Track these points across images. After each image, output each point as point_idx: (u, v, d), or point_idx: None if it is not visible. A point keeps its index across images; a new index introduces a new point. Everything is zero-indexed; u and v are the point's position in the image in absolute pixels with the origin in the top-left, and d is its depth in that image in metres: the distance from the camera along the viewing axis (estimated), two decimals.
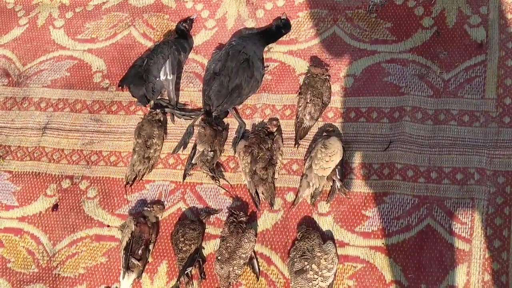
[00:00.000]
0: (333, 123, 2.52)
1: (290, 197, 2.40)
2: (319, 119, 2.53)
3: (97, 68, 2.88)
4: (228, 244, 2.28)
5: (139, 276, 2.35)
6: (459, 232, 2.19)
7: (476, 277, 2.11)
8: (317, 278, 2.17)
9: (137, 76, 2.74)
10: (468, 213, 2.21)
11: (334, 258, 2.20)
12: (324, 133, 2.48)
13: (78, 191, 2.58)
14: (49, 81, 2.89)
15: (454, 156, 2.32)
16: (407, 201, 2.28)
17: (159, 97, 2.73)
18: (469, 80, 2.46)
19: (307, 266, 2.18)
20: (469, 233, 2.18)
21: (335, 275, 2.20)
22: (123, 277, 2.33)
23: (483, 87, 2.44)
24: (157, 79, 2.69)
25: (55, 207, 2.56)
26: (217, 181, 2.47)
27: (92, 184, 2.58)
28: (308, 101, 2.52)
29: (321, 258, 2.19)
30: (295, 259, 2.21)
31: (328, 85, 2.57)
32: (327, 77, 2.59)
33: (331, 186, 2.36)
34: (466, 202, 2.23)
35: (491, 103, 2.39)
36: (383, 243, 2.23)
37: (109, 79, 2.84)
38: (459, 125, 2.38)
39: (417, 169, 2.33)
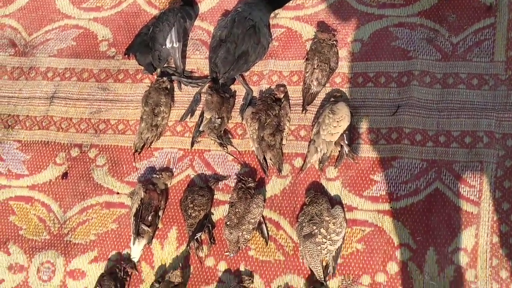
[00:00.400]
0: (340, 89, 2.49)
1: (298, 162, 2.39)
2: (326, 85, 2.51)
3: (103, 36, 2.86)
4: (237, 210, 2.28)
5: (149, 242, 2.36)
6: (467, 195, 2.18)
7: (485, 239, 2.10)
8: (325, 242, 2.17)
9: (143, 44, 2.71)
10: (476, 176, 2.20)
11: (342, 222, 2.20)
12: (332, 99, 2.46)
13: (87, 159, 2.58)
14: (55, 51, 2.88)
15: (463, 120, 2.30)
16: (415, 165, 2.27)
17: (165, 65, 2.71)
18: (478, 43, 2.42)
19: (316, 230, 2.18)
20: (478, 196, 2.17)
21: (343, 238, 2.20)
22: (134, 243, 2.34)
23: (492, 50, 2.40)
24: (163, 47, 2.67)
25: (64, 175, 2.56)
26: (225, 148, 2.46)
27: (101, 152, 2.58)
28: (315, 66, 2.49)
29: (330, 222, 2.19)
30: (304, 224, 2.21)
31: (336, 50, 2.54)
32: (334, 42, 2.56)
33: (339, 151, 2.35)
34: (475, 165, 2.22)
35: (501, 66, 2.36)
36: (391, 207, 2.22)
37: (115, 48, 2.82)
38: (468, 89, 2.36)
39: (426, 133, 2.31)
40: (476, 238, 2.11)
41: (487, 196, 2.16)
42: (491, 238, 2.10)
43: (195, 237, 2.30)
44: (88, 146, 2.60)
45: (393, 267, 2.14)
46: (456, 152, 2.26)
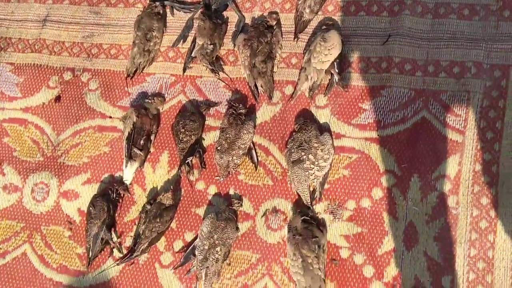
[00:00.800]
0: (332, 17, 2.47)
1: (288, 90, 2.40)
2: (318, 13, 2.48)
3: None
4: (228, 135, 2.31)
5: (141, 165, 2.39)
6: (453, 124, 2.21)
7: (468, 167, 2.14)
8: (313, 168, 2.20)
9: None
10: (463, 106, 2.22)
11: (330, 149, 2.23)
12: (324, 27, 2.44)
13: (80, 83, 2.57)
14: None
15: (452, 50, 2.30)
16: (404, 94, 2.28)
17: None
18: None
19: (304, 156, 2.21)
20: (463, 125, 2.19)
21: (330, 165, 2.24)
22: (126, 166, 2.37)
23: None
24: None
25: (57, 98, 2.56)
26: (217, 74, 2.46)
27: (94, 77, 2.58)
28: None
29: (318, 149, 2.22)
30: (293, 150, 2.24)
31: None
32: None
33: (329, 80, 2.36)
34: (462, 95, 2.23)
35: None
36: (378, 135, 2.25)
37: None
38: (458, 19, 2.34)
39: (415, 62, 2.31)
40: (460, 165, 2.15)
41: (472, 125, 2.19)
42: (474, 166, 2.14)
43: (186, 161, 2.33)
44: (81, 70, 2.59)
45: (378, 193, 2.19)
46: (444, 81, 2.27)
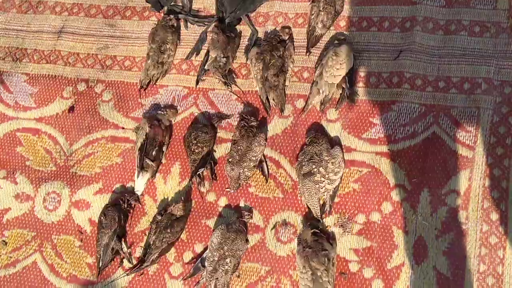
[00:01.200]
0: (344, 32, 2.48)
1: (300, 103, 2.40)
2: (331, 28, 2.48)
3: None
4: (239, 147, 2.30)
5: (153, 176, 2.39)
6: (463, 139, 2.20)
7: (477, 182, 2.13)
8: (324, 181, 2.20)
9: None
10: (473, 121, 2.21)
11: (341, 162, 2.23)
12: (336, 42, 2.44)
13: (94, 94, 2.58)
14: None
15: (463, 66, 2.30)
16: (414, 109, 2.28)
17: (172, 3, 2.68)
18: None
19: (315, 169, 2.21)
20: (473, 140, 2.18)
21: (341, 178, 2.23)
22: (138, 176, 2.37)
23: None
24: None
25: (71, 109, 2.57)
26: (229, 87, 2.47)
27: (107, 88, 2.58)
28: (321, 9, 2.47)
29: (329, 162, 2.21)
30: (303, 163, 2.24)
31: None
32: None
33: (340, 94, 2.35)
34: (472, 111, 2.23)
35: (503, 14, 2.34)
36: (389, 149, 2.24)
37: None
38: (469, 36, 2.34)
39: (426, 78, 2.31)
40: (470, 181, 2.14)
41: (482, 141, 2.18)
42: (484, 181, 2.13)
43: (197, 173, 2.32)
44: (95, 81, 2.60)
45: (388, 207, 2.18)
46: (455, 97, 2.26)
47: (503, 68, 2.26)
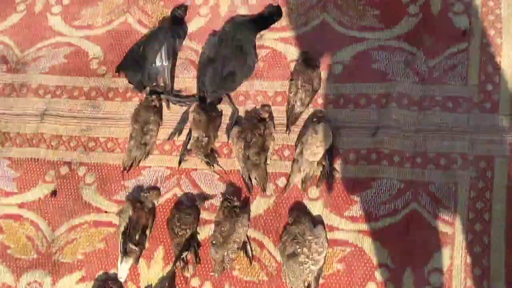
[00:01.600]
0: (322, 109, 2.50)
1: (281, 182, 2.40)
2: (309, 105, 2.52)
3: (94, 54, 2.84)
4: (223, 229, 2.29)
5: (136, 261, 2.35)
6: (442, 216, 2.21)
7: (459, 259, 2.13)
8: (308, 262, 2.18)
9: (134, 62, 2.70)
10: (451, 197, 2.23)
11: (324, 242, 2.22)
12: (314, 119, 2.47)
13: (76, 177, 2.56)
14: (47, 68, 2.85)
15: (438, 142, 2.33)
16: (394, 186, 2.29)
17: (154, 84, 2.69)
18: (452, 67, 2.45)
19: (299, 250, 2.20)
20: (452, 217, 2.20)
21: (325, 258, 2.22)
22: (121, 262, 2.33)
23: (465, 73, 2.43)
24: (153, 65, 2.66)
25: (53, 193, 2.54)
26: (212, 167, 2.47)
27: (90, 170, 2.57)
28: (299, 87, 2.51)
29: (312, 242, 2.21)
30: (287, 243, 2.23)
31: (318, 71, 2.55)
32: (317, 63, 2.57)
33: (321, 171, 2.36)
34: (450, 186, 2.25)
35: (474, 89, 2.39)
36: (370, 227, 2.24)
37: (106, 66, 2.80)
38: (443, 111, 2.38)
39: (403, 154, 2.33)
40: (451, 259, 2.14)
41: (460, 217, 2.19)
42: (465, 259, 2.13)
43: (182, 257, 2.29)
44: (77, 164, 2.59)
45: None
46: (432, 173, 2.28)
47: (476, 142, 2.29)
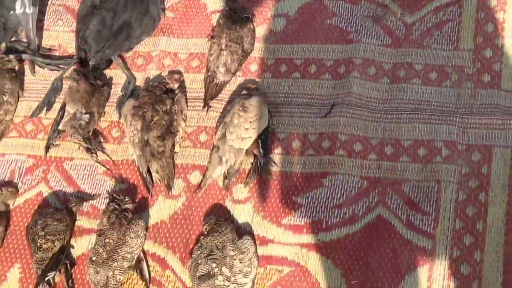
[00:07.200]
0: (256, 79, 2.57)
1: (195, 177, 2.45)
2: (237, 73, 2.58)
3: None
4: (107, 240, 2.30)
5: None
6: (419, 225, 2.28)
7: (440, 283, 2.20)
8: (228, 285, 2.21)
9: None
10: (432, 200, 2.30)
11: (252, 259, 2.26)
12: (244, 92, 2.53)
13: None
14: None
15: (416, 125, 2.42)
16: (353, 184, 2.36)
17: (13, 38, 2.72)
18: (438, 25, 2.56)
19: (216, 269, 2.22)
20: (433, 226, 2.27)
21: (253, 282, 2.26)
22: None
23: (456, 34, 2.54)
24: (12, 12, 2.68)
25: None
26: (94, 155, 2.49)
27: None
28: (223, 47, 2.57)
29: (235, 259, 2.24)
30: (200, 260, 2.25)
31: (251, 27, 2.63)
32: (250, 16, 2.63)
33: (252, 164, 2.42)
34: (430, 185, 2.33)
35: (467, 56, 2.50)
36: (318, 240, 2.29)
37: None
38: (424, 84, 2.48)
39: (367, 141, 2.42)
40: (429, 282, 2.21)
41: (444, 226, 2.27)
42: (449, 282, 2.20)
43: (46, 278, 2.29)
44: None
45: None
46: (407, 167, 2.37)
47: (469, 127, 2.39)
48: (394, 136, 2.42)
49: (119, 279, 2.29)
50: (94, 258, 2.31)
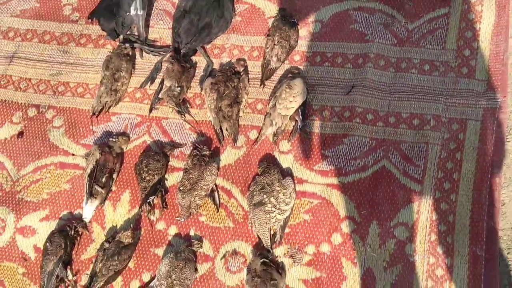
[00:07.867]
0: (298, 66, 2.56)
1: (253, 134, 2.45)
2: (285, 62, 2.57)
3: (67, 1, 2.85)
4: (191, 176, 2.33)
5: (102, 203, 2.38)
6: (412, 173, 2.27)
7: (425, 215, 2.20)
8: (274, 211, 2.23)
9: (108, 10, 2.73)
10: (421, 156, 2.29)
11: (292, 193, 2.27)
12: (290, 75, 2.52)
13: (44, 120, 2.58)
14: (18, 11, 2.86)
15: (413, 103, 2.39)
16: (365, 143, 2.35)
17: (128, 32, 2.73)
18: (431, 31, 2.52)
19: (266, 199, 2.25)
20: (421, 175, 2.26)
21: (292, 209, 2.27)
22: (86, 203, 2.36)
23: (444, 38, 2.50)
24: (128, 13, 2.69)
25: (20, 134, 2.56)
26: (183, 116, 2.51)
27: (59, 114, 2.59)
28: (276, 43, 2.55)
29: (280, 192, 2.26)
30: (255, 192, 2.27)
31: (296, 28, 2.60)
32: (296, 20, 2.62)
33: (293, 126, 2.42)
34: (421, 146, 2.31)
35: (451, 54, 2.46)
36: (339, 181, 2.30)
37: (79, 13, 2.82)
38: (419, 74, 2.45)
39: (377, 113, 2.40)
40: (417, 214, 2.21)
41: (430, 175, 2.26)
42: (431, 215, 2.20)
43: (148, 201, 2.33)
44: (46, 107, 2.61)
45: (337, 238, 2.23)
46: (404, 132, 2.35)
47: (450, 105, 2.36)
48: (396, 110, 2.40)
49: (198, 203, 2.32)
50: (181, 188, 2.34)
